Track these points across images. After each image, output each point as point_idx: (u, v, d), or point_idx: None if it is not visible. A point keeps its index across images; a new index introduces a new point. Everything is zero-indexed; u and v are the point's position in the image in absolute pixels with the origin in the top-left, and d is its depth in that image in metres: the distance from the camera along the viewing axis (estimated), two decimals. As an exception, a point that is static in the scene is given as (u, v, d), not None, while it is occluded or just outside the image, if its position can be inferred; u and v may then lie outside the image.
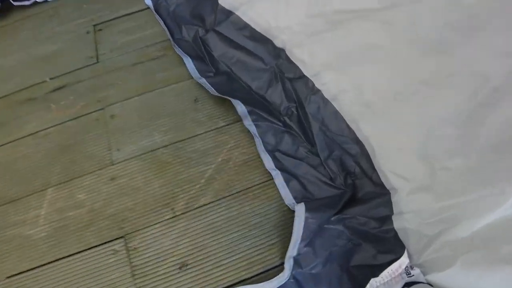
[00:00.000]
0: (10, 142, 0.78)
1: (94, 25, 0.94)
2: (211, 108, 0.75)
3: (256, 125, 0.71)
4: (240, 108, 0.72)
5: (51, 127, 0.77)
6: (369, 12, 0.53)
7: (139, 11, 0.95)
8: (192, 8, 0.87)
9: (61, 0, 1.02)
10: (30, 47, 0.94)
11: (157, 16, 0.92)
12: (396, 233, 0.52)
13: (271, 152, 0.69)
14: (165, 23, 0.90)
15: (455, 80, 0.45)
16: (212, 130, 0.72)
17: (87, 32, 0.93)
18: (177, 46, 0.85)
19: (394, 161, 0.52)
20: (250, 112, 0.72)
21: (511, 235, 0.39)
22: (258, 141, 0.70)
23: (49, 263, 0.63)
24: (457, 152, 0.43)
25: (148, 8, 0.96)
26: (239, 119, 0.73)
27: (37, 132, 0.77)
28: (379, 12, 0.51)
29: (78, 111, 0.78)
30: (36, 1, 1.01)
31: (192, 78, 0.80)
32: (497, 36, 0.41)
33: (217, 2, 0.82)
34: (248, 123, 0.72)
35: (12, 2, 1.00)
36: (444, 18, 0.46)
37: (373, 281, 0.54)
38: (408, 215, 0.49)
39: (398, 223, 0.50)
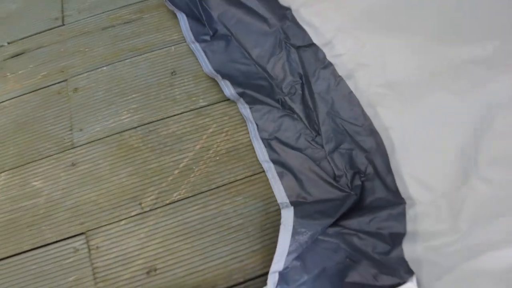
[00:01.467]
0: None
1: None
2: (191, 83, 0.62)
3: (250, 109, 0.59)
4: (228, 91, 0.60)
5: (6, 100, 0.65)
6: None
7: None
8: None
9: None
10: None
11: None
12: (403, 259, 0.41)
13: (266, 140, 0.58)
14: None
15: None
16: (190, 110, 0.60)
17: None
18: (169, 1, 0.70)
19: (419, 163, 0.39)
20: (241, 95, 0.60)
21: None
22: (252, 127, 0.58)
23: None
24: (505, 157, 0.31)
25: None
26: (223, 98, 0.60)
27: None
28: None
29: (37, 82, 0.66)
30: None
31: (170, 45, 0.66)
32: None
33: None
34: (240, 106, 0.60)
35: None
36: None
37: None
38: (424, 237, 0.38)
39: (409, 250, 0.40)
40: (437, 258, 0.39)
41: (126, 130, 0.59)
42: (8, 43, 0.72)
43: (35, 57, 0.69)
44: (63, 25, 0.73)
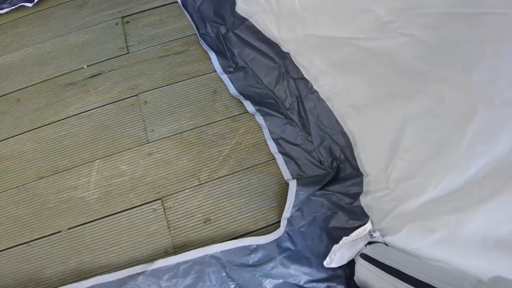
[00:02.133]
0: (57, 121, 0.93)
1: (122, 17, 1.06)
2: (227, 100, 0.92)
3: (264, 119, 0.88)
4: (249, 108, 0.89)
5: (92, 109, 0.92)
6: (354, 40, 0.69)
7: (161, 6, 1.07)
8: (214, 7, 1.00)
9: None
10: (64, 35, 1.06)
11: (184, 11, 1.04)
12: (362, 208, 0.72)
13: (276, 140, 0.87)
14: (191, 18, 1.02)
15: (421, 96, 0.62)
16: (228, 118, 0.89)
17: (116, 24, 1.05)
18: (203, 41, 0.98)
19: (369, 152, 0.70)
20: (258, 110, 0.89)
21: (434, 212, 0.59)
22: (265, 132, 0.87)
23: (101, 218, 0.82)
24: (412, 148, 0.61)
25: (169, 3, 1.08)
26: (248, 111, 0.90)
27: (80, 113, 0.93)
28: (362, 41, 0.66)
29: (114, 96, 0.93)
30: (65, -10, 1.11)
31: (211, 72, 0.95)
32: (454, 69, 0.55)
33: (235, 9, 0.95)
34: (258, 117, 0.89)
35: (43, -10, 1.09)
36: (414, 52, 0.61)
37: (345, 239, 0.75)
38: (372, 194, 0.69)
39: (364, 200, 0.70)
40: (380, 205, 0.69)
41: (185, 131, 0.87)
42: (87, 66, 0.99)
43: (110, 77, 0.96)
44: (128, 53, 1.00)
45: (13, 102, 0.98)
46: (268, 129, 0.88)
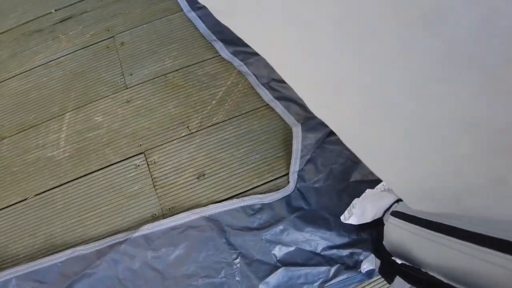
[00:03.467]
0: (23, 72, 0.80)
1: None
2: (220, 34, 0.77)
3: (245, 64, 0.73)
4: (224, 52, 0.74)
5: (62, 56, 0.79)
6: None
7: None
8: None
9: None
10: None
11: None
12: None
13: (267, 84, 0.72)
14: None
15: None
16: (220, 55, 0.74)
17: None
18: None
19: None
20: (234, 53, 0.74)
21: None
22: (251, 79, 0.72)
23: (74, 179, 0.69)
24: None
25: None
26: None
27: (48, 62, 0.79)
28: None
29: (87, 40, 0.80)
30: None
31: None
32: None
33: None
34: (237, 64, 0.73)
35: None
36: None
37: (369, 191, 0.60)
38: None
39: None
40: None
41: (170, 72, 0.73)
42: (55, 10, 0.85)
43: (82, 20, 0.83)
44: (102, -8, 0.86)
45: (-27, 59, 0.85)
46: (254, 75, 0.72)
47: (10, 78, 0.80)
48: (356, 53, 0.30)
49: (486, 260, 0.34)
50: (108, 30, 0.80)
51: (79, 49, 0.79)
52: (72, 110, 0.73)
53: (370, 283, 0.60)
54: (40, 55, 0.80)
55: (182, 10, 0.79)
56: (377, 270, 0.57)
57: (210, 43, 0.75)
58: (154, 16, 0.79)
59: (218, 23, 0.75)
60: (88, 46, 0.79)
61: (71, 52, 0.79)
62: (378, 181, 0.62)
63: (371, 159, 0.45)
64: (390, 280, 0.50)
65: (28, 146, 0.72)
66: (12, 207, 0.69)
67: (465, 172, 0.30)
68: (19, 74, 0.80)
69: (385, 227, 0.59)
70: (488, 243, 0.35)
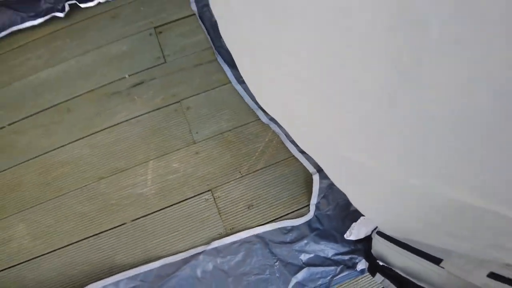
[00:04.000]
0: (107, 128, 1.08)
1: (155, 28, 1.18)
2: (259, 102, 1.07)
3: (278, 126, 1.04)
4: (263, 118, 1.04)
5: (140, 115, 1.07)
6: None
7: (190, 15, 1.19)
8: None
9: (120, 1, 1.23)
10: (102, 47, 1.18)
11: (201, 24, 1.17)
12: None
13: (293, 142, 1.03)
14: (207, 32, 1.15)
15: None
16: (259, 119, 1.04)
17: (150, 34, 1.17)
18: (217, 54, 1.12)
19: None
20: (270, 119, 1.04)
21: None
22: (282, 137, 1.03)
23: (160, 210, 0.99)
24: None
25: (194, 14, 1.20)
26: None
27: (129, 120, 1.07)
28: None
29: (159, 103, 1.08)
30: (100, 2, 1.22)
31: (238, 80, 1.10)
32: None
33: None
34: (272, 126, 1.04)
35: (78, 4, 1.20)
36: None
37: (362, 218, 0.94)
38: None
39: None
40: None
41: (225, 131, 1.03)
42: (129, 75, 1.12)
43: (152, 85, 1.10)
44: (165, 62, 1.13)
45: (64, 112, 1.12)
46: (284, 134, 1.03)
47: (99, 131, 1.07)
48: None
49: (423, 265, 0.67)
50: (174, 96, 1.08)
51: (153, 111, 1.07)
52: (154, 159, 1.02)
53: (363, 277, 0.94)
54: (121, 114, 1.08)
55: (231, 82, 1.08)
56: (366, 269, 0.91)
57: (253, 110, 1.05)
58: (209, 86, 1.08)
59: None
60: (159, 109, 1.07)
61: (147, 113, 1.07)
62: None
63: (359, 206, 0.77)
64: (373, 275, 0.84)
65: (122, 185, 1.02)
66: (114, 229, 0.99)
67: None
68: (106, 129, 1.07)
69: (372, 241, 0.93)
70: (424, 255, 0.69)
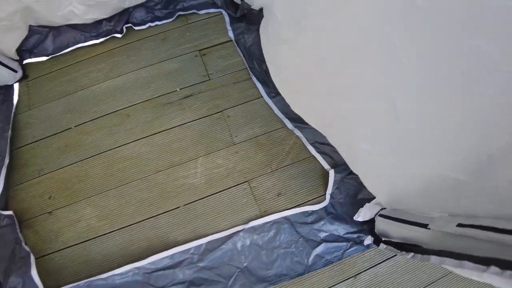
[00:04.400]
0: (163, 130, 1.34)
1: (199, 50, 1.46)
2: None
3: (301, 131, 1.32)
4: (289, 125, 1.33)
5: (189, 122, 1.34)
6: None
7: (228, 41, 1.48)
8: (259, 49, 1.41)
9: (168, 26, 1.51)
10: (155, 64, 1.45)
11: (237, 49, 1.45)
12: None
13: (312, 144, 1.31)
14: (243, 55, 1.44)
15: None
16: (287, 126, 1.33)
17: (196, 56, 1.45)
18: (251, 73, 1.40)
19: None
20: (295, 126, 1.33)
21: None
22: (304, 140, 1.31)
23: (207, 196, 1.25)
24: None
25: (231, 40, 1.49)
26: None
27: (180, 125, 1.34)
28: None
29: (205, 112, 1.35)
30: (150, 26, 1.49)
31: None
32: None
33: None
34: (296, 132, 1.32)
35: (133, 27, 1.47)
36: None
37: (367, 204, 1.22)
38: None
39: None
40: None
41: (258, 135, 1.31)
42: (180, 89, 1.39)
43: (199, 98, 1.38)
44: (209, 79, 1.41)
45: (124, 117, 1.38)
46: (305, 138, 1.32)
47: (156, 133, 1.33)
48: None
49: (415, 231, 0.96)
50: (217, 107, 1.36)
51: (200, 118, 1.34)
52: (202, 156, 1.29)
53: (368, 252, 1.22)
54: (174, 120, 1.35)
55: (263, 97, 1.36)
56: (372, 242, 1.19)
57: (281, 119, 1.33)
58: (245, 99, 1.36)
59: (284, 107, 1.33)
60: (205, 117, 1.34)
61: (195, 120, 1.34)
62: (372, 198, 1.24)
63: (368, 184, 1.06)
64: (378, 245, 1.12)
65: (176, 176, 1.27)
66: (170, 212, 1.24)
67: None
68: (162, 131, 1.34)
69: (376, 222, 1.21)
70: (416, 224, 0.98)
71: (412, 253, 0.90)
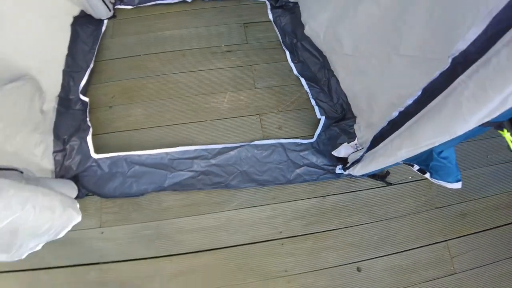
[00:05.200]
0: (206, 70, 1.87)
1: (244, 23, 2.02)
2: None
3: (310, 89, 1.83)
4: (304, 83, 1.84)
5: (227, 67, 1.87)
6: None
7: (267, 21, 2.04)
8: (292, 27, 1.97)
9: (225, 3, 2.09)
10: (210, 26, 2.01)
11: (274, 27, 2.01)
12: (354, 133, 1.65)
13: (315, 99, 1.81)
14: (279, 32, 1.99)
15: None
16: (300, 83, 1.83)
17: (240, 26, 2.01)
18: (283, 45, 1.94)
19: (357, 105, 1.65)
20: (308, 84, 1.84)
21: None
22: (310, 95, 1.81)
23: (227, 118, 1.73)
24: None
25: (269, 21, 2.05)
26: (307, 83, 1.86)
27: (220, 68, 1.87)
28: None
29: (239, 64, 1.88)
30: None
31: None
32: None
33: (303, 30, 1.92)
34: (306, 88, 1.84)
35: (202, -1, 2.06)
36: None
37: (344, 144, 1.67)
38: (357, 124, 1.62)
39: (355, 128, 1.64)
40: (359, 132, 1.64)
41: (274, 86, 1.81)
42: (224, 45, 1.94)
43: (236, 53, 1.92)
44: (247, 43, 1.96)
45: (180, 55, 1.91)
46: (311, 94, 1.82)
47: (200, 71, 1.86)
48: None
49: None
50: (249, 62, 1.88)
51: (235, 67, 1.87)
52: (230, 91, 1.80)
53: (338, 181, 1.65)
54: (216, 64, 1.88)
55: (287, 61, 1.89)
56: (342, 171, 1.63)
57: (296, 78, 1.85)
58: (271, 60, 1.89)
59: (302, 70, 1.85)
60: (238, 67, 1.87)
61: (231, 67, 1.87)
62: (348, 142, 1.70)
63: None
64: (345, 170, 1.56)
65: (208, 101, 1.78)
66: (198, 122, 1.73)
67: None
68: (205, 70, 1.86)
69: (348, 158, 1.65)
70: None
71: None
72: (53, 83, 1.72)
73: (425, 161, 1.07)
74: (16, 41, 1.51)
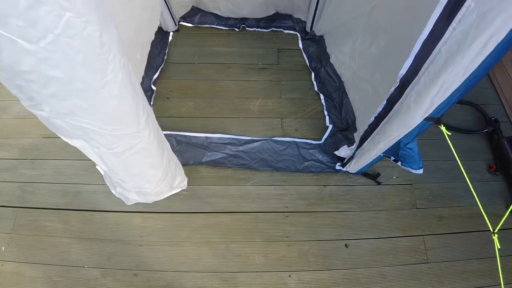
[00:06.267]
0: (245, 80, 2.47)
1: (278, 49, 2.63)
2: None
3: (325, 104, 2.35)
4: (322, 99, 2.38)
5: (259, 80, 2.46)
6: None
7: (297, 49, 2.63)
8: (317, 55, 2.54)
9: (264, 32, 2.72)
10: (252, 47, 2.64)
11: (303, 54, 2.60)
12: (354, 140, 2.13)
13: (328, 111, 2.33)
14: (307, 58, 2.57)
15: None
16: (318, 98, 2.37)
17: (274, 51, 2.62)
18: (310, 68, 2.51)
19: (360, 123, 2.13)
20: (325, 100, 2.37)
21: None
22: (324, 108, 2.33)
23: (256, 117, 2.28)
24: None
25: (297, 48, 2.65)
26: (322, 99, 2.39)
27: (255, 80, 2.46)
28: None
29: (270, 78, 2.47)
30: (255, 29, 2.71)
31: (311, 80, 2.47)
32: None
33: (329, 59, 2.48)
34: (323, 102, 2.37)
35: (246, 27, 2.70)
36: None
37: (344, 147, 2.14)
38: (357, 134, 2.10)
39: (355, 137, 2.12)
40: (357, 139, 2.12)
41: (296, 99, 2.36)
42: (261, 64, 2.54)
43: (269, 71, 2.51)
44: (278, 64, 2.55)
45: (226, 67, 2.54)
46: (326, 106, 2.34)
47: (240, 80, 2.46)
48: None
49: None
50: (278, 78, 2.45)
51: (266, 81, 2.45)
52: (260, 98, 2.36)
53: (338, 176, 2.12)
54: (252, 77, 2.48)
55: (311, 80, 2.45)
56: (341, 167, 2.09)
57: (315, 94, 2.39)
58: (297, 79, 2.45)
59: (321, 88, 2.40)
60: (269, 81, 2.45)
61: (263, 80, 2.44)
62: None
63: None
64: (344, 166, 2.03)
65: (244, 104, 2.34)
66: (234, 118, 2.29)
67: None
68: (244, 80, 2.46)
69: (347, 159, 2.12)
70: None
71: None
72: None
73: (396, 151, 1.53)
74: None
